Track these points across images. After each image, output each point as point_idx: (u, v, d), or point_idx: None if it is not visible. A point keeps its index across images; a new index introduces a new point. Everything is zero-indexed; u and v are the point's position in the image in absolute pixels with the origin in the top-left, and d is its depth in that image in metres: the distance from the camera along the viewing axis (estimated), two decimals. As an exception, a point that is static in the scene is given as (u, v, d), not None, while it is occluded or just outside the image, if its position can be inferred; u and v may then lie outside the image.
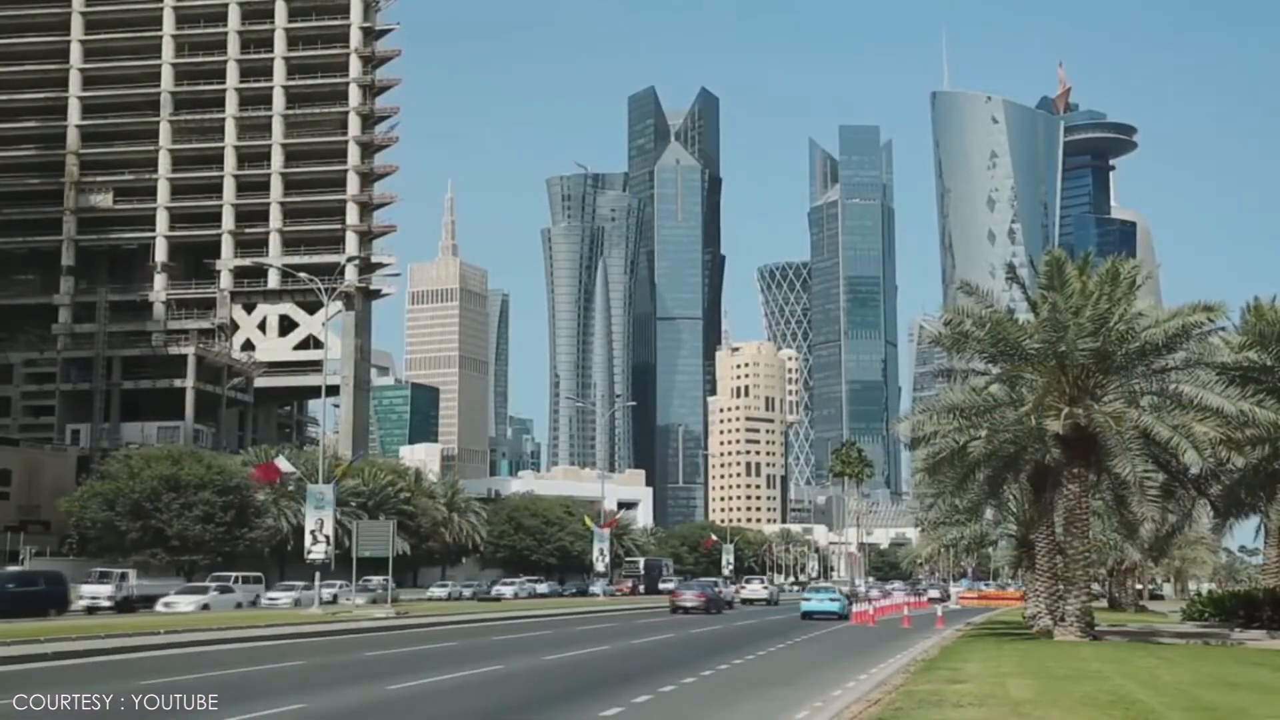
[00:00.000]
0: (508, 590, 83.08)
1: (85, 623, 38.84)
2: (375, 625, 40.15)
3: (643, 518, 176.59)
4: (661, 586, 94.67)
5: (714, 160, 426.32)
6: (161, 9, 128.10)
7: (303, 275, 71.77)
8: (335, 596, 64.44)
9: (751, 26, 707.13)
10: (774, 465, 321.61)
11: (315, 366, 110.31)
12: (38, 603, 42.16)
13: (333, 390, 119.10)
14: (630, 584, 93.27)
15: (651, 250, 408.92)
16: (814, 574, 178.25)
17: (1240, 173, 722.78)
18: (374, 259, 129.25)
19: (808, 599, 55.40)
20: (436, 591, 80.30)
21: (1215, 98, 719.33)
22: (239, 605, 53.23)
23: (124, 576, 54.41)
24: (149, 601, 52.05)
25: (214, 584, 55.26)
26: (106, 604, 50.64)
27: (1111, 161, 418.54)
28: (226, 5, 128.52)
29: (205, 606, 49.69)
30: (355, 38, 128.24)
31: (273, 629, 35.59)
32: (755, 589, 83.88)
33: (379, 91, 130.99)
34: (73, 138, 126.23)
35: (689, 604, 56.14)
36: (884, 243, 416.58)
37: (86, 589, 51.66)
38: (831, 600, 53.49)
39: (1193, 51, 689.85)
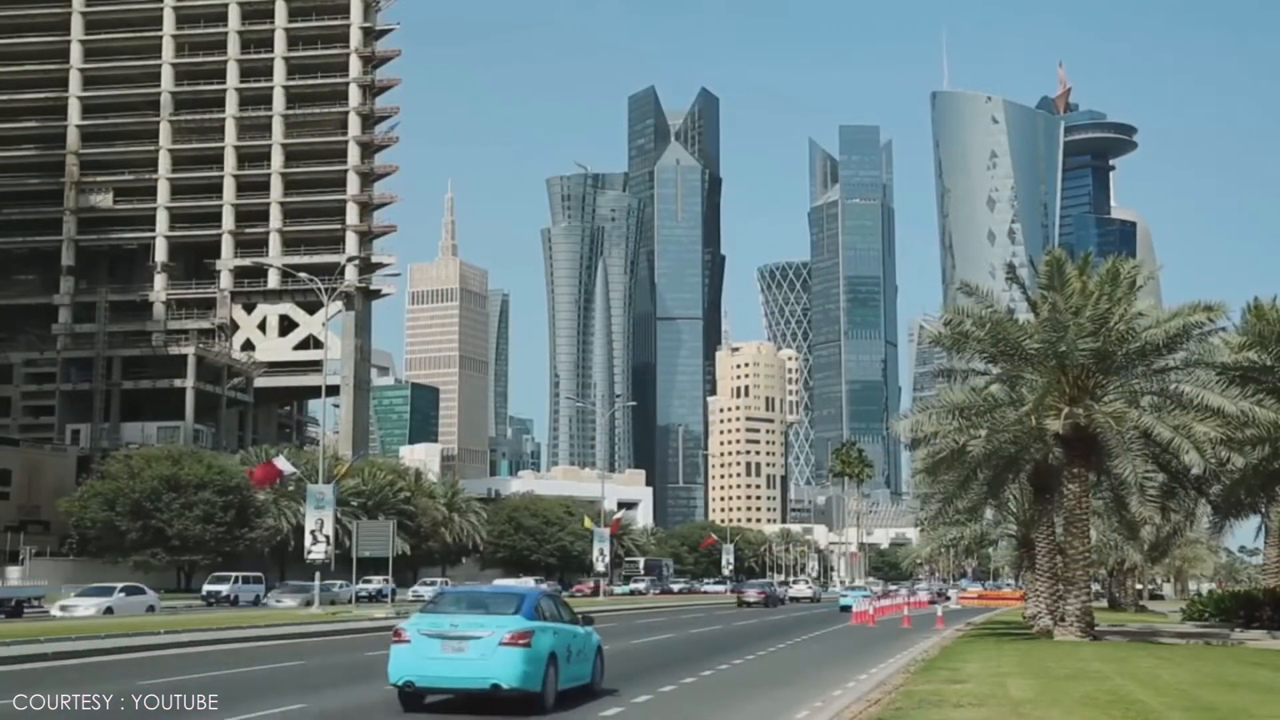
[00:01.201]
0: (426, 592, 73.75)
1: (92, 623, 38.66)
2: (375, 625, 40.15)
3: (643, 518, 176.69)
4: (630, 587, 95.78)
5: (714, 160, 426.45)
6: (161, 9, 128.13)
7: (303, 275, 71.90)
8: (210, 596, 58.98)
9: (751, 26, 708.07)
10: (774, 465, 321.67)
11: (315, 366, 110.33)
12: None
13: (333, 390, 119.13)
14: (593, 584, 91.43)
15: (651, 250, 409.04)
16: (814, 574, 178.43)
17: (1240, 173, 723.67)
18: (374, 259, 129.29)
19: (845, 595, 68.50)
20: (424, 591, 74.37)
21: (1215, 98, 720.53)
22: (151, 609, 46.76)
23: None
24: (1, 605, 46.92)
25: (120, 586, 48.86)
26: None
27: (1111, 161, 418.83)
28: (226, 5, 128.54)
29: (109, 610, 44.03)
30: (355, 38, 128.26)
31: (273, 629, 35.59)
32: (801, 589, 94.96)
33: (379, 91, 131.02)
34: (73, 138, 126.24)
35: (751, 599, 68.93)
36: (884, 243, 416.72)
37: None
38: (864, 598, 61.09)
39: (1193, 51, 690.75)
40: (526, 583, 58.77)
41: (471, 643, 15.63)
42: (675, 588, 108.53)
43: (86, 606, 44.51)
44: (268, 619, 41.64)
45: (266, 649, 29.49)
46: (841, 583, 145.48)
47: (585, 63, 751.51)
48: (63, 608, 45.07)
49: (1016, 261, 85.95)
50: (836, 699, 17.98)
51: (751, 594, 70.83)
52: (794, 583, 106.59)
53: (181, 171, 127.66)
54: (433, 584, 78.20)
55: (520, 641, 15.59)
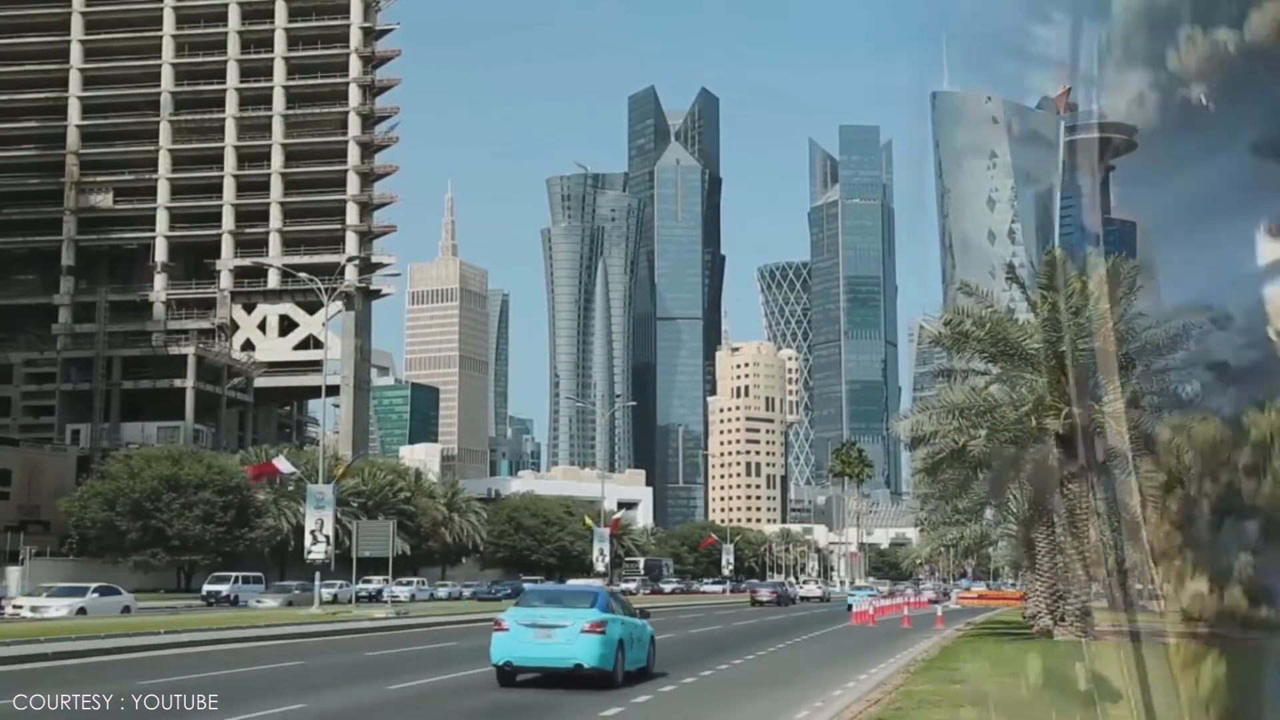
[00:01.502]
0: (401, 592, 70.91)
1: (86, 623, 38.69)
2: (375, 625, 40.22)
3: (643, 518, 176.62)
4: (622, 586, 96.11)
5: (714, 160, 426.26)
6: (161, 9, 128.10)
7: (303, 275, 71.94)
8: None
9: (751, 26, 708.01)
10: (774, 465, 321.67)
11: (315, 366, 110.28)
12: None
13: (333, 390, 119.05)
14: None
15: (651, 250, 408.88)
16: (814, 574, 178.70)
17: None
18: (374, 259, 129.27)
19: (852, 594, 69.04)
20: (399, 591, 69.73)
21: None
22: (126, 609, 45.60)
23: None
24: None
25: (94, 586, 47.38)
26: None
27: (1111, 162, 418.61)
28: (226, 5, 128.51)
29: (81, 610, 43.16)
30: (355, 38, 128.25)
31: (273, 629, 35.62)
32: (811, 589, 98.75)
33: (379, 91, 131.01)
34: (73, 138, 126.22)
35: (764, 598, 71.57)
36: (884, 243, 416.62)
37: None
38: (870, 597, 62.58)
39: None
40: (594, 583, 60.13)
41: (559, 630, 19.10)
42: (667, 588, 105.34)
43: (58, 607, 43.40)
44: (267, 619, 41.66)
45: (266, 649, 29.51)
46: (842, 583, 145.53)
47: (585, 63, 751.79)
48: (34, 608, 43.94)
49: (1016, 261, 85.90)
50: (836, 699, 17.99)
51: (764, 593, 73.77)
52: (804, 583, 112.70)
53: (181, 171, 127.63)
54: (409, 584, 78.61)
55: (598, 629, 19.01)
